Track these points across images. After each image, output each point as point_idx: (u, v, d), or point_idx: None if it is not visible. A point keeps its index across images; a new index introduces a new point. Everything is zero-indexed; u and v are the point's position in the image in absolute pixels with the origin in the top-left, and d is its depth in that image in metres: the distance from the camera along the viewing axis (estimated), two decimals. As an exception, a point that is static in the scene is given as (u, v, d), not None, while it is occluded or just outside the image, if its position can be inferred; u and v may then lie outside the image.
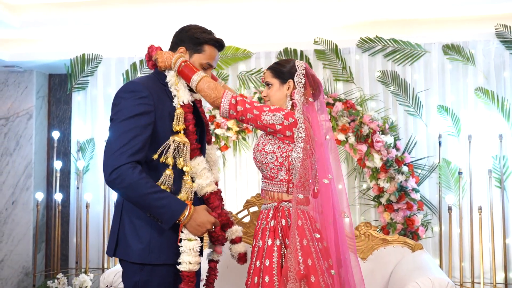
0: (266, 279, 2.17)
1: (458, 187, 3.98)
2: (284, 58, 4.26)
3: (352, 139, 3.93)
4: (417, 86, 4.13)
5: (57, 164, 4.57)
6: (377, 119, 3.97)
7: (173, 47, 2.33)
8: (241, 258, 2.43)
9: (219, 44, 2.32)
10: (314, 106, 2.40)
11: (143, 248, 2.12)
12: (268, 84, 2.44)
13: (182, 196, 2.13)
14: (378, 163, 3.88)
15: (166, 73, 2.25)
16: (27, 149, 4.77)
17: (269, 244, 2.22)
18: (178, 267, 2.12)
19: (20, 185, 4.75)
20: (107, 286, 3.18)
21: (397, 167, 3.87)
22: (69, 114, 4.83)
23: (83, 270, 4.35)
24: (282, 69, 2.41)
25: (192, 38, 2.27)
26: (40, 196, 4.50)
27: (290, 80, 2.39)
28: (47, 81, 5.04)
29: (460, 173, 3.96)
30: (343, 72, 4.19)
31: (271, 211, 2.30)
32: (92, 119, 4.55)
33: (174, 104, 2.19)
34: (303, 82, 2.37)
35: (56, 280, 4.20)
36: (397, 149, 3.95)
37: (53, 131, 4.73)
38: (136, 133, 2.06)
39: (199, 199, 2.25)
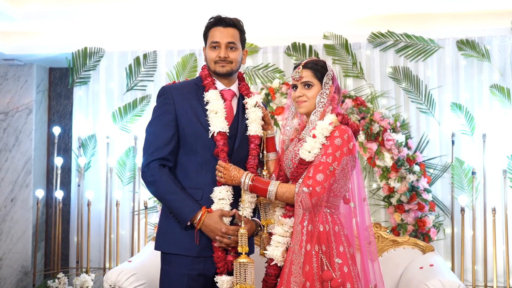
0: (307, 284, 2.14)
1: (471, 188, 3.94)
2: (292, 53, 4.21)
3: (362, 137, 3.89)
4: (430, 83, 4.10)
5: (58, 161, 4.49)
6: (388, 117, 3.93)
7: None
8: None
9: (215, 21, 2.31)
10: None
11: (161, 237, 2.34)
12: (307, 84, 2.27)
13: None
14: (388, 162, 3.83)
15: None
16: (26, 145, 4.71)
17: (308, 249, 2.17)
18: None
19: (19, 182, 4.70)
20: (110, 285, 3.12)
21: (408, 167, 3.82)
22: (70, 109, 4.78)
23: (84, 269, 4.29)
24: (323, 71, 2.26)
25: (203, 35, 2.39)
26: (40, 193, 4.44)
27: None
28: (48, 75, 4.98)
29: (473, 173, 3.92)
30: (353, 67, 4.16)
31: (306, 215, 2.22)
32: (94, 114, 4.49)
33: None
34: (332, 84, 2.27)
35: (56, 280, 4.15)
36: (409, 148, 3.90)
37: (53, 127, 4.66)
38: (159, 131, 2.28)
39: None
